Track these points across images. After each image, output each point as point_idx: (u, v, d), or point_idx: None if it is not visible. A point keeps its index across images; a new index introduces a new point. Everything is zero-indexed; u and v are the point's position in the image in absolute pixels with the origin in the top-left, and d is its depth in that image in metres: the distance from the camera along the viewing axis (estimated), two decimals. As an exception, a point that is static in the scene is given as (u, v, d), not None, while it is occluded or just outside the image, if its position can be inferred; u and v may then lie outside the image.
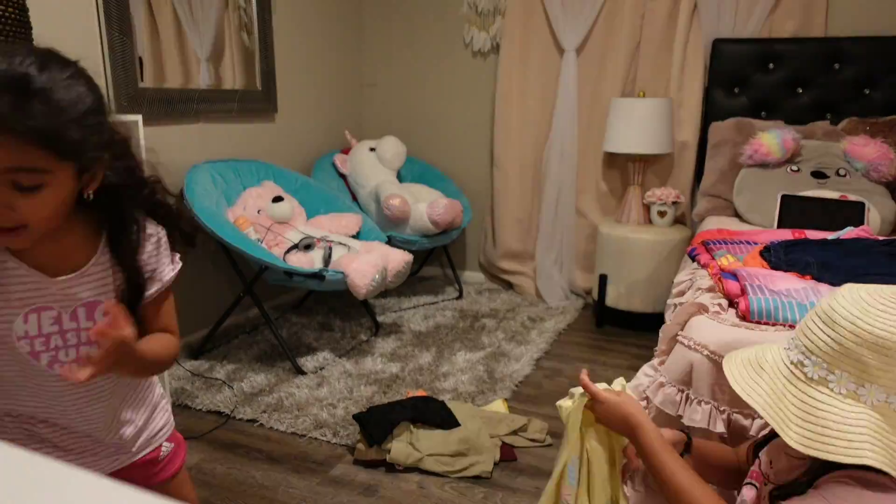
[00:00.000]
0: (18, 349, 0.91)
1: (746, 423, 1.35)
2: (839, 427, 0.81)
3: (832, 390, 0.84)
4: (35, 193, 0.81)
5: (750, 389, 0.91)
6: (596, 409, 1.11)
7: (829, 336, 0.84)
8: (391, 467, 1.93)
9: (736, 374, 0.95)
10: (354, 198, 3.38)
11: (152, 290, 1.00)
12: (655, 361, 1.50)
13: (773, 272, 1.67)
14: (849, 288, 0.87)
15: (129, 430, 1.07)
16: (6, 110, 0.75)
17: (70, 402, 0.98)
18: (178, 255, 1.06)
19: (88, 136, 0.82)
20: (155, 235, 1.01)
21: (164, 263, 1.02)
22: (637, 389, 1.49)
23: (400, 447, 1.94)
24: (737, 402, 1.36)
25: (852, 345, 0.82)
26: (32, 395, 0.96)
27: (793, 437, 0.84)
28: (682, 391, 1.40)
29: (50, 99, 0.78)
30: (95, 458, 1.05)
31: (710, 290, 1.67)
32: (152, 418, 1.12)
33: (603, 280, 3.12)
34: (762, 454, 1.01)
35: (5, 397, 0.96)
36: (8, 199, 0.79)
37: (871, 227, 2.35)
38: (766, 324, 1.42)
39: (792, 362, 0.89)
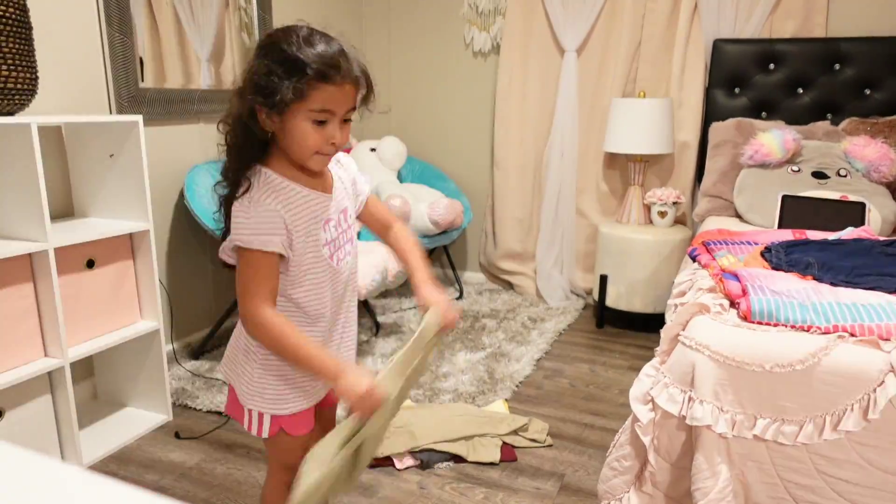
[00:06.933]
0: (323, 254, 1.18)
1: (748, 423, 1.34)
2: None
3: None
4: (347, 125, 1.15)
5: None
6: None
7: None
8: (391, 467, 1.93)
9: None
10: (355, 198, 3.38)
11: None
12: (657, 362, 1.50)
13: (774, 273, 1.67)
14: None
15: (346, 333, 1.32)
16: (357, 72, 1.17)
17: (339, 291, 1.25)
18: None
19: None
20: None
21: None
22: (639, 390, 1.49)
23: (398, 441, 1.94)
24: (740, 403, 1.36)
25: None
26: (321, 291, 1.21)
27: None
28: (685, 391, 1.40)
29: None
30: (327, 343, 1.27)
31: (710, 290, 1.67)
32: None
33: (603, 280, 3.11)
34: None
35: (311, 297, 1.21)
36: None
37: (872, 227, 2.35)
38: (767, 324, 1.42)
39: None
